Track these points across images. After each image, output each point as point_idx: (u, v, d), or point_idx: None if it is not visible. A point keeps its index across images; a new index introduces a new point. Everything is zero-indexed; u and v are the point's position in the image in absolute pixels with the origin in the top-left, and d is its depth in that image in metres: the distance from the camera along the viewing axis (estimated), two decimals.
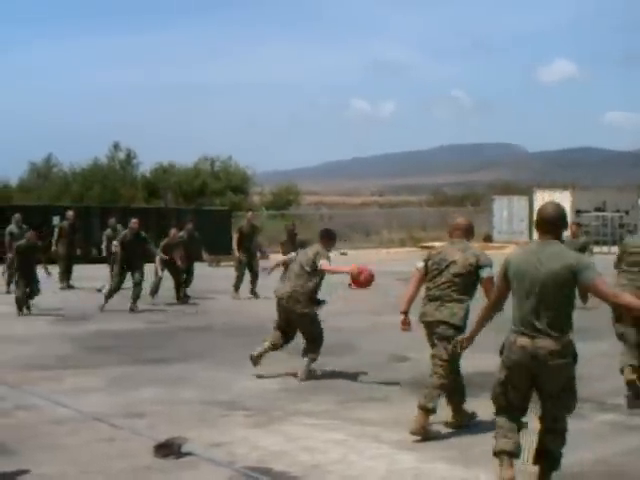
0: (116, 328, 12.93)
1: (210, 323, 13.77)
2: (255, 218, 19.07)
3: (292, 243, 20.06)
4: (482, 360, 9.90)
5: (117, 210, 31.63)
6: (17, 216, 19.14)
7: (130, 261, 15.57)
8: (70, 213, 21.08)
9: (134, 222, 16.00)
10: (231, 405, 7.59)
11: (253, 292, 17.82)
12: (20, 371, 9.16)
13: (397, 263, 29.66)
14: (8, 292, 17.63)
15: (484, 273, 6.86)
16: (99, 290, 18.74)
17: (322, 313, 11.95)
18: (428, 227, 48.02)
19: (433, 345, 7.09)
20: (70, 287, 19.82)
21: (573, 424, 6.91)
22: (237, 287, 17.95)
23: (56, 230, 20.22)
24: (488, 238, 41.94)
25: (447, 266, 6.92)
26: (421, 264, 7.15)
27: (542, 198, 40.58)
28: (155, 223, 30.68)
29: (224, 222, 33.25)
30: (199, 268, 19.36)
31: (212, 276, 21.42)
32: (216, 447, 6.14)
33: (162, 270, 17.03)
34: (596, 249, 20.90)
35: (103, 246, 20.33)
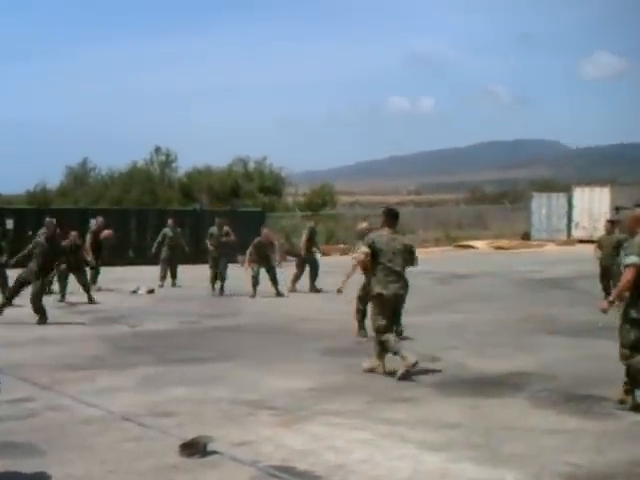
0: (150, 329, 13.03)
1: (243, 323, 13.84)
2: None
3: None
4: (517, 360, 9.87)
5: (153, 213, 31.94)
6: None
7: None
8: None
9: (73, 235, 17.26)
10: (258, 404, 7.59)
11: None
12: (52, 372, 9.24)
13: (429, 263, 29.51)
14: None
15: None
16: (134, 292, 18.97)
17: (352, 314, 12.03)
18: (465, 225, 47.72)
19: None
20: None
21: (605, 424, 6.86)
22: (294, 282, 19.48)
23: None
24: (526, 236, 41.53)
25: None
26: (635, 259, 7.28)
27: (581, 195, 40.18)
28: (190, 225, 30.96)
29: (257, 223, 33.36)
30: (233, 269, 19.59)
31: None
32: (241, 446, 6.14)
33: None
34: None
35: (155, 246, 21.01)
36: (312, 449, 6.08)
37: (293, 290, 19.20)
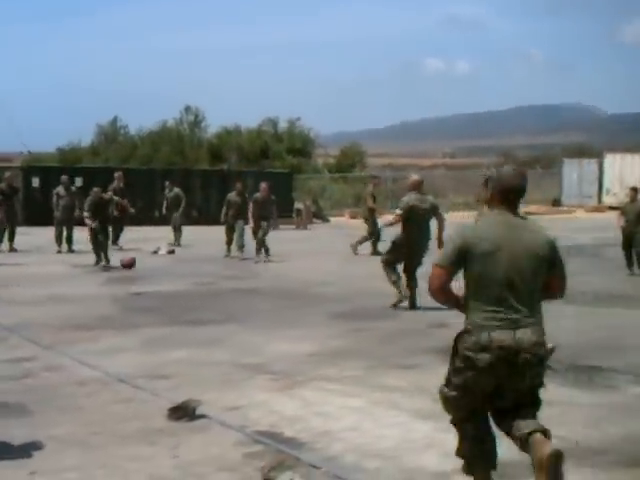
0: (164, 289, 13.05)
1: (257, 286, 13.79)
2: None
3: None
4: None
5: (179, 172, 32.00)
6: (64, 178, 19.74)
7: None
8: (7, 174, 19.86)
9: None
10: (258, 368, 7.56)
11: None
12: (58, 331, 9.30)
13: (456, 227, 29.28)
14: (59, 252, 18.22)
15: None
16: (154, 252, 19.02)
17: (370, 278, 11.92)
18: None
19: None
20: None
21: (604, 396, 6.73)
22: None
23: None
24: (557, 202, 41.06)
25: None
26: None
27: (613, 162, 39.58)
28: (217, 185, 30.98)
29: (285, 185, 33.28)
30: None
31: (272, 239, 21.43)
32: (232, 410, 6.11)
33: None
34: None
35: (164, 207, 21.22)
36: (302, 415, 6.04)
37: (356, 253, 18.99)
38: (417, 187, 11.24)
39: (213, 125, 53.97)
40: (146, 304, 11.55)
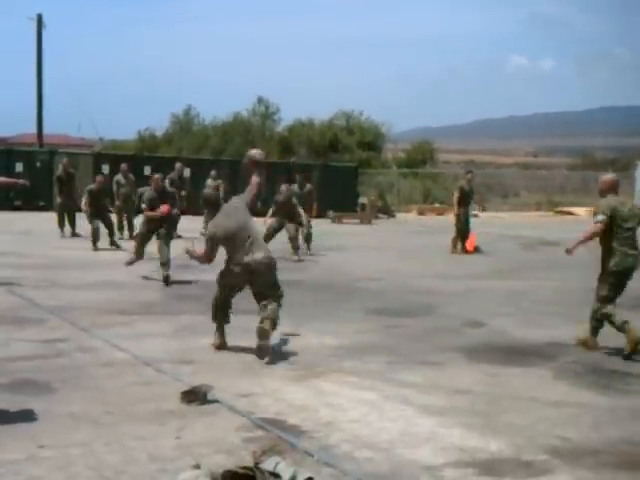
0: (213, 278, 13.28)
1: (303, 278, 13.93)
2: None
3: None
4: (562, 330, 9.69)
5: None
6: (123, 166, 20.18)
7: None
8: (64, 161, 20.56)
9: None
10: (280, 358, 7.76)
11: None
12: (98, 315, 9.66)
13: (522, 227, 29.12)
14: (121, 238, 18.72)
15: None
16: None
17: (420, 276, 11.94)
18: (568, 191, 46.67)
19: None
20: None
21: (617, 400, 6.76)
22: None
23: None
24: None
25: None
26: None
27: None
28: (282, 177, 31.30)
29: (350, 178, 33.38)
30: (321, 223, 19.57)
31: (333, 232, 21.60)
32: (243, 397, 6.33)
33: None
34: None
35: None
36: (310, 404, 6.22)
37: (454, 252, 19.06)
38: (614, 188, 8.95)
39: (286, 119, 54.32)
40: (191, 292, 11.85)
